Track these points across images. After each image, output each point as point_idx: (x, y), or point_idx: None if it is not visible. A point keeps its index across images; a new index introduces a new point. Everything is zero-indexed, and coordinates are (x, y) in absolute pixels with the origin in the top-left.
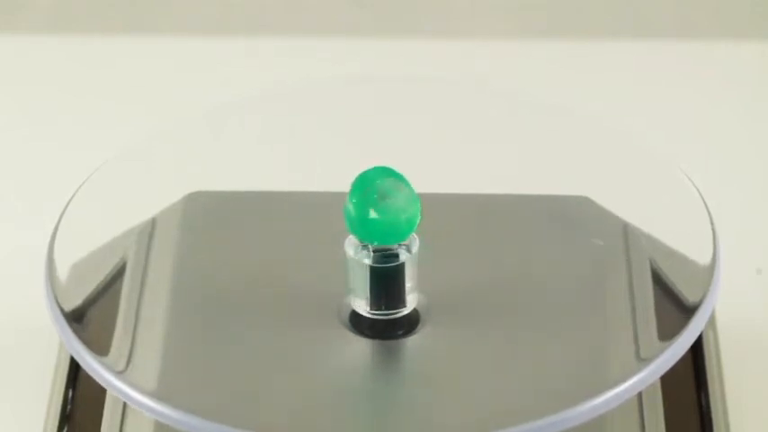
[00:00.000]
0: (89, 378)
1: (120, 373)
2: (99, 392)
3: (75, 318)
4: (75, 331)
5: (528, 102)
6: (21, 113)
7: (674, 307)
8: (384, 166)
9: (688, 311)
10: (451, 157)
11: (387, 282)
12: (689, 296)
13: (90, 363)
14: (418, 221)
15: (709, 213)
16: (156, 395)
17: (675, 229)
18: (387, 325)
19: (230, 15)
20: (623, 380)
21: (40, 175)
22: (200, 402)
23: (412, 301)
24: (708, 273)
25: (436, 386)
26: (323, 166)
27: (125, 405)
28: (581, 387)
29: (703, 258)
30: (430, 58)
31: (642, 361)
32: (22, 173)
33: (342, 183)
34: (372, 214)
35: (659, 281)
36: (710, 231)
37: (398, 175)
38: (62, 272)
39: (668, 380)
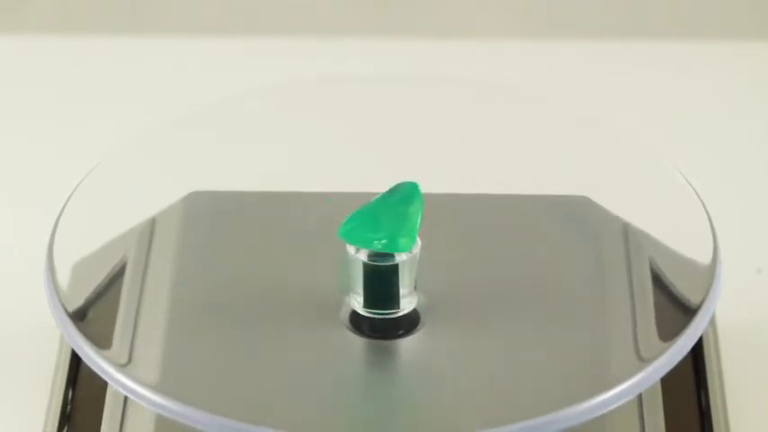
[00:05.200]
0: (89, 378)
1: (121, 367)
2: (99, 392)
3: (76, 316)
4: (77, 326)
5: (528, 101)
6: (21, 113)
7: (675, 307)
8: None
9: (688, 312)
10: (451, 157)
11: (387, 281)
12: (689, 297)
13: (91, 356)
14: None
15: (707, 214)
16: (158, 389)
17: (675, 229)
18: (387, 325)
19: (230, 15)
20: (623, 380)
21: (40, 175)
22: (200, 397)
23: (412, 300)
24: (708, 273)
25: (436, 386)
26: (323, 166)
27: (125, 405)
28: (581, 387)
29: (703, 258)
30: (430, 58)
31: (643, 362)
32: (22, 173)
33: (342, 183)
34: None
35: (659, 281)
36: (710, 232)
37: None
38: (62, 271)
39: (668, 380)
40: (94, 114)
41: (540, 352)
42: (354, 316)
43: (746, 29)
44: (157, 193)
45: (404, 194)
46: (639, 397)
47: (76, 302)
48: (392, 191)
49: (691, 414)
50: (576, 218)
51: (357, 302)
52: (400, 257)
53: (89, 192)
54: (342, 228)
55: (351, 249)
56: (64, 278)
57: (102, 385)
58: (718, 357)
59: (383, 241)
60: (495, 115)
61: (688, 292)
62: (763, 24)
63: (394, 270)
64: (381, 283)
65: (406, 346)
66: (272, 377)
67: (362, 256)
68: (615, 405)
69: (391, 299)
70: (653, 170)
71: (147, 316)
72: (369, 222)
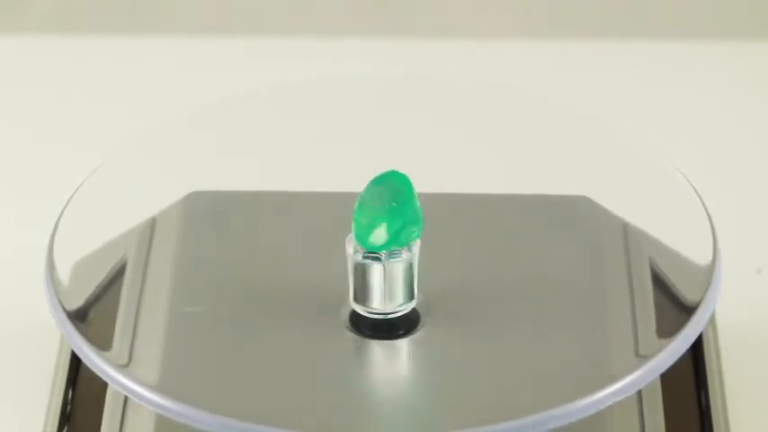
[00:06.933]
0: (89, 378)
1: (121, 367)
2: (99, 392)
3: (76, 316)
4: (77, 327)
5: (528, 101)
6: (21, 113)
7: (675, 307)
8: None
9: (688, 311)
10: (451, 157)
11: (387, 281)
12: (689, 296)
13: (91, 357)
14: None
15: (707, 213)
16: (158, 389)
17: (675, 229)
18: (387, 325)
19: (230, 15)
20: (622, 376)
21: (41, 175)
22: (200, 397)
23: (412, 300)
24: (708, 272)
25: (436, 385)
26: (323, 166)
27: (125, 405)
28: (581, 384)
29: (703, 258)
30: (430, 58)
31: (642, 358)
32: (22, 173)
33: (341, 183)
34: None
35: (659, 281)
36: (710, 231)
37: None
38: (63, 271)
39: (668, 379)
40: (94, 114)
41: (540, 349)
42: (354, 316)
43: (746, 29)
44: (157, 193)
45: (398, 185)
46: (639, 396)
47: (76, 302)
48: (386, 186)
49: (691, 413)
50: (576, 218)
51: (367, 304)
52: (408, 253)
53: (89, 192)
54: (364, 241)
55: (350, 250)
56: (64, 278)
57: (102, 385)
58: (718, 357)
59: (416, 233)
60: (495, 115)
61: (688, 292)
62: (763, 24)
63: (409, 265)
64: (398, 279)
65: (406, 346)
66: (271, 377)
67: (379, 258)
68: (615, 400)
69: (409, 293)
70: (653, 170)
71: (147, 316)
72: (389, 223)
